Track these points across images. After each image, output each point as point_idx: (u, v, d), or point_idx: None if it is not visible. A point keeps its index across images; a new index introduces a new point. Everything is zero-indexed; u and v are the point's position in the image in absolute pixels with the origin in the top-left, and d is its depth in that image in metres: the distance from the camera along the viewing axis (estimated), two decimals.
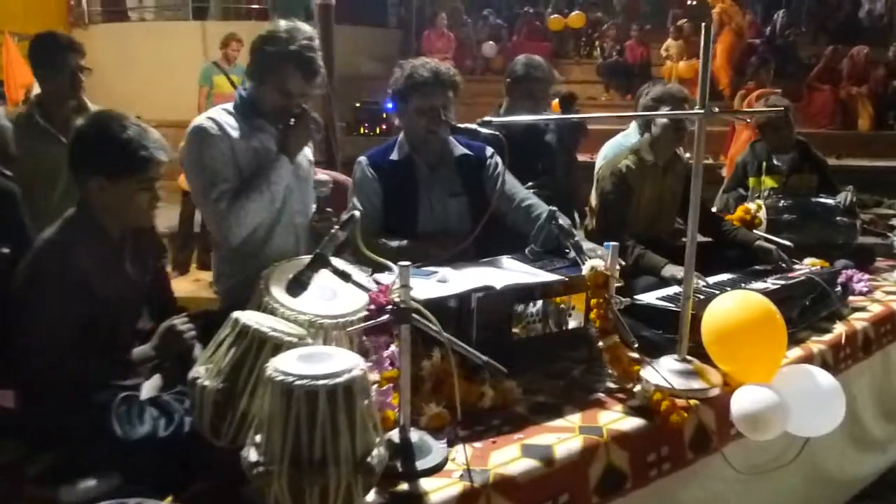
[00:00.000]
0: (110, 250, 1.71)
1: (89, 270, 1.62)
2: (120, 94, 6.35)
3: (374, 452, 1.34)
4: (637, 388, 1.88)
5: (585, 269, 1.99)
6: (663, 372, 1.95)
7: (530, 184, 2.75)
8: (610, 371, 1.98)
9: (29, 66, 2.98)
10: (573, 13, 10.06)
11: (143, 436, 1.52)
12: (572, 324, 2.13)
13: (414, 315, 1.54)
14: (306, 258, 1.67)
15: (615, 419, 1.81)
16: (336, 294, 1.87)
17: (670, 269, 2.59)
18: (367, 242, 2.44)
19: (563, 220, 2.18)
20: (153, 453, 1.50)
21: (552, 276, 2.07)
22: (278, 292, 1.80)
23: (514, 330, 2.04)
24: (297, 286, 1.60)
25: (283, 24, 2.19)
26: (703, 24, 1.84)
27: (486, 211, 2.46)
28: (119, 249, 1.73)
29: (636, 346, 1.93)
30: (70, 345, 1.60)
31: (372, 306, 1.56)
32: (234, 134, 2.17)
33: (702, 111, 1.87)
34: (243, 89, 2.29)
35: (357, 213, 1.61)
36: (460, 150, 2.53)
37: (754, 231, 3.08)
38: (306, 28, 2.20)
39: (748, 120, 3.30)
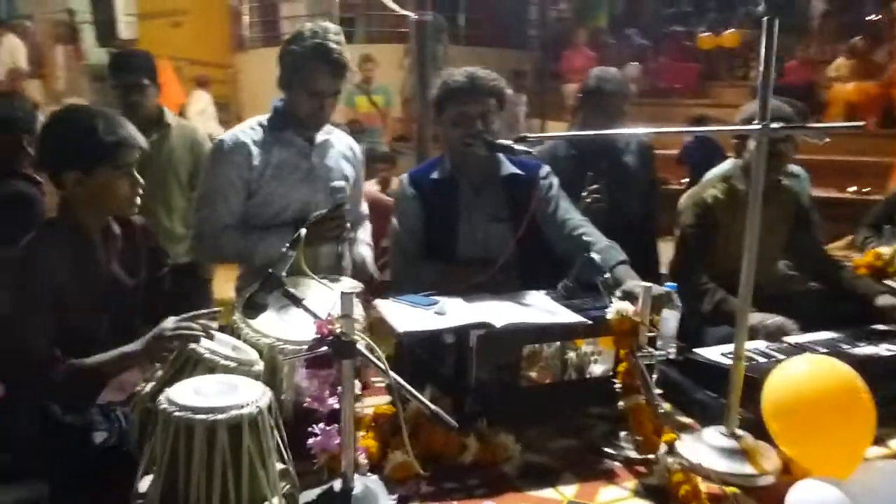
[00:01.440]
0: (88, 252, 1.66)
1: (61, 276, 1.58)
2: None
3: None
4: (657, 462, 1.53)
5: (610, 313, 1.67)
6: (699, 446, 1.58)
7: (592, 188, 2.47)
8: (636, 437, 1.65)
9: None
10: (727, 32, 9.31)
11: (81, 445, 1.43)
12: (598, 370, 1.81)
13: (360, 349, 1.34)
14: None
15: (617, 499, 1.48)
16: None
17: (758, 318, 2.15)
18: (406, 264, 2.33)
19: (596, 254, 1.87)
20: (87, 464, 1.41)
21: (572, 318, 1.77)
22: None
23: (532, 374, 1.77)
24: (252, 307, 1.46)
25: (308, 24, 2.12)
26: (765, 18, 1.47)
27: (533, 237, 2.22)
28: (98, 250, 1.69)
29: (661, 411, 1.59)
30: (40, 349, 1.54)
31: (316, 335, 1.38)
32: (254, 149, 2.14)
33: (759, 126, 1.51)
34: (279, 100, 2.23)
35: (303, 232, 1.44)
36: (509, 168, 2.29)
37: (885, 282, 2.52)
38: (332, 25, 2.12)
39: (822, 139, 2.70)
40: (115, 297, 1.70)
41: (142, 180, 1.69)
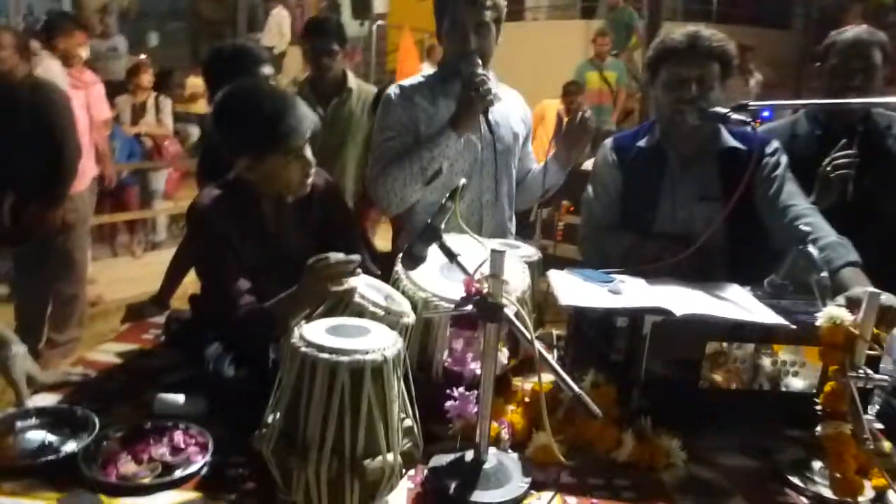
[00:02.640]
0: (257, 218, 1.68)
1: (231, 236, 1.61)
2: (509, 86, 6.75)
3: (379, 458, 1.11)
4: None
5: (821, 319, 1.37)
6: None
7: None
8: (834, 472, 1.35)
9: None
10: None
11: (231, 378, 1.50)
12: (797, 385, 1.51)
13: (507, 313, 1.23)
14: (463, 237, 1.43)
15: None
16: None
17: None
18: (596, 235, 2.16)
19: (814, 249, 1.54)
20: (234, 397, 1.47)
21: (770, 318, 1.49)
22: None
23: (715, 376, 1.53)
24: (410, 259, 1.41)
25: None
26: None
27: (748, 222, 1.93)
28: (268, 216, 1.70)
29: (871, 447, 1.27)
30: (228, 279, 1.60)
31: (463, 294, 1.29)
32: (420, 100, 2.08)
33: None
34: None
35: (463, 182, 1.35)
36: (730, 142, 1.99)
37: None
38: None
39: None
40: (283, 260, 1.68)
41: (313, 159, 1.65)
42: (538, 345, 1.21)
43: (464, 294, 1.29)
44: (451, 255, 1.35)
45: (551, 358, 1.21)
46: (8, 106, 3.31)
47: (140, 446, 1.30)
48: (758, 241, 1.93)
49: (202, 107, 7.39)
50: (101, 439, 1.31)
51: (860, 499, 1.29)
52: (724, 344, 1.50)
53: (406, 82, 2.16)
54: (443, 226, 1.37)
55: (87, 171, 3.66)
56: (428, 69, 2.38)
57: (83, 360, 1.77)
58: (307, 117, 1.61)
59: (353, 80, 3.09)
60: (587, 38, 7.71)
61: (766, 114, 4.80)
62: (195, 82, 7.63)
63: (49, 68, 4.24)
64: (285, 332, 1.24)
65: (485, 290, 1.25)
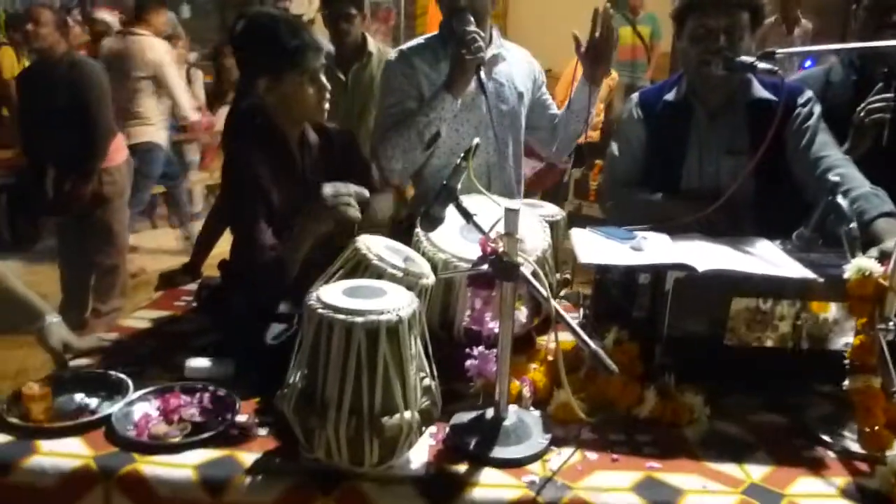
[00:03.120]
0: (287, 159, 1.74)
1: (264, 178, 1.67)
2: (537, 47, 6.64)
3: (397, 416, 1.13)
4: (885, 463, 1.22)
5: (849, 271, 1.34)
6: None
7: None
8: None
9: None
10: None
11: (257, 341, 1.53)
12: (840, 342, 1.48)
13: (523, 272, 1.23)
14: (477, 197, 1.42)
15: (817, 494, 1.20)
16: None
17: None
18: (620, 193, 2.12)
19: (843, 199, 1.49)
20: (265, 359, 1.50)
21: (797, 272, 1.45)
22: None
23: (757, 335, 1.50)
24: (428, 220, 1.41)
25: None
26: None
27: (778, 175, 1.88)
28: (295, 157, 1.76)
29: None
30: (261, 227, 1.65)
31: (479, 254, 1.29)
32: (420, 63, 2.07)
33: None
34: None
35: (477, 141, 1.34)
36: (760, 92, 1.93)
37: None
38: None
39: None
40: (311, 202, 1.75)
41: (328, 85, 1.71)
42: (554, 303, 1.21)
43: (480, 254, 1.29)
44: (467, 216, 1.35)
45: (568, 316, 1.21)
46: (47, 82, 3.43)
47: (171, 407, 1.35)
48: (788, 195, 1.88)
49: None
50: (134, 401, 1.36)
51: (889, 453, 1.26)
52: (762, 302, 1.47)
53: (406, 46, 2.15)
54: (458, 186, 1.36)
55: (122, 144, 3.74)
56: None
57: (118, 327, 1.83)
58: (321, 43, 1.70)
59: (372, 44, 3.08)
60: None
61: (808, 63, 4.64)
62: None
63: (153, 46, 4.43)
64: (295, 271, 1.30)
65: (500, 250, 1.25)
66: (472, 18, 1.92)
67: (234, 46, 1.75)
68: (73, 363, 1.55)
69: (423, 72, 2.07)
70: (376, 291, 1.20)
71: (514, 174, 2.20)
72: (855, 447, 1.31)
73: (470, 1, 1.96)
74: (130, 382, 1.42)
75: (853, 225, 1.44)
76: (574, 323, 1.19)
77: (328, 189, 1.52)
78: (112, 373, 1.47)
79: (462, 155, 1.33)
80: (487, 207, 1.34)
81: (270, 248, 1.62)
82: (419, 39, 2.16)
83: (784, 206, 1.87)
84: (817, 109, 1.92)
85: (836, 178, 1.55)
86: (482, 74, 1.93)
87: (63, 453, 1.23)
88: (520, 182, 2.26)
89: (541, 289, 1.22)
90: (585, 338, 1.17)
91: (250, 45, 1.70)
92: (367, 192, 1.54)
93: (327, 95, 1.72)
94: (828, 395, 1.48)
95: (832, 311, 1.47)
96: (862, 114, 1.93)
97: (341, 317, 1.11)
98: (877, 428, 1.28)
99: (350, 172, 1.82)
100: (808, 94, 1.94)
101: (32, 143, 3.63)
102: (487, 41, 2.07)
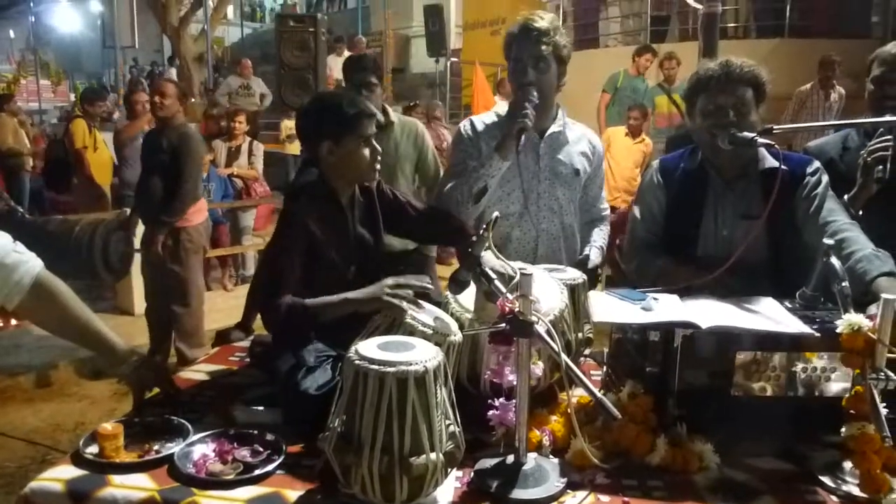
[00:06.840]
0: (340, 216, 1.94)
1: (316, 231, 1.84)
2: (586, 110, 6.89)
3: (423, 457, 1.27)
4: None
5: (841, 326, 1.45)
6: None
7: None
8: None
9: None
10: None
11: (305, 390, 1.69)
12: (834, 389, 1.57)
13: (536, 329, 1.38)
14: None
15: None
16: None
17: None
18: (640, 255, 2.26)
19: (836, 260, 1.61)
20: (309, 407, 1.65)
21: (795, 328, 1.56)
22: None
23: (755, 385, 1.61)
24: (456, 284, 1.59)
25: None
26: None
27: (790, 240, 2.00)
28: (347, 214, 1.95)
29: (890, 444, 1.34)
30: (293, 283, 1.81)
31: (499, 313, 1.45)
32: (487, 138, 2.26)
33: None
34: None
35: (496, 215, 1.51)
36: (770, 162, 2.07)
37: None
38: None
39: None
40: (360, 254, 1.96)
41: (380, 149, 1.93)
42: (564, 357, 1.35)
43: (499, 314, 1.45)
44: (488, 279, 1.52)
45: (577, 369, 1.35)
46: (159, 145, 3.94)
47: (226, 449, 1.52)
48: (799, 259, 1.99)
49: (296, 148, 7.90)
50: (193, 443, 1.54)
51: (886, 495, 1.34)
52: (759, 354, 1.58)
53: (480, 120, 2.35)
54: (482, 253, 1.54)
55: (203, 207, 4.18)
56: (500, 102, 2.62)
57: (180, 378, 2.03)
58: (375, 113, 1.94)
59: (393, 115, 3.29)
60: (656, 61, 7.74)
61: None
62: (289, 125, 8.12)
63: None
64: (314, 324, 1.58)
65: (517, 310, 1.40)
66: (535, 93, 2.13)
67: (303, 117, 1.98)
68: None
69: (485, 138, 2.28)
70: (407, 346, 1.36)
71: (561, 242, 2.34)
72: (856, 491, 1.40)
73: (537, 78, 2.17)
74: (190, 427, 1.60)
75: (845, 283, 1.55)
76: (582, 375, 1.33)
77: (389, 281, 1.68)
78: (174, 418, 1.65)
79: (484, 226, 1.51)
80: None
81: (288, 297, 1.76)
82: (492, 115, 2.38)
83: (799, 269, 1.99)
84: (825, 178, 2.05)
85: (831, 242, 1.67)
86: (522, 139, 2.10)
87: (132, 486, 1.41)
88: (575, 251, 2.38)
89: (552, 344, 1.37)
90: (591, 387, 1.31)
91: (317, 112, 1.92)
92: (429, 285, 1.70)
93: (379, 158, 1.92)
94: (832, 443, 1.56)
95: (824, 359, 1.57)
96: (865, 154, 2.07)
97: (375, 367, 1.27)
98: (873, 472, 1.36)
99: (394, 219, 2.06)
100: (816, 164, 2.08)
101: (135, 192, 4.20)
102: (552, 118, 2.29)
